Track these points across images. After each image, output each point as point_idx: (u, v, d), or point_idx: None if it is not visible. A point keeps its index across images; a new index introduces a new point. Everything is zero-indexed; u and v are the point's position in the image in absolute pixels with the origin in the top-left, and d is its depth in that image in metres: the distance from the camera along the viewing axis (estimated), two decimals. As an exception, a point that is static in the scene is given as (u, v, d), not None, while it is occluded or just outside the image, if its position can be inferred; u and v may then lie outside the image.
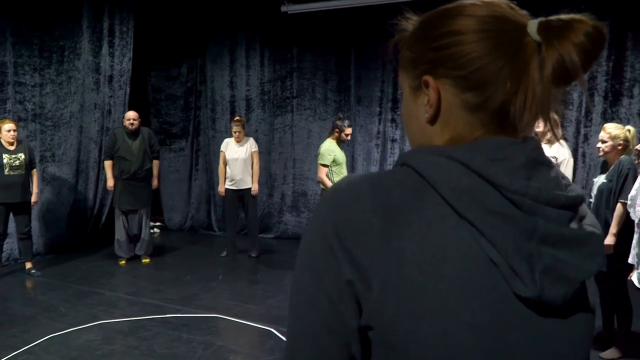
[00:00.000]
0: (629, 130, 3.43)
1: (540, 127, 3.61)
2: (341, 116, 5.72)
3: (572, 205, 0.63)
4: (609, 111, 6.19)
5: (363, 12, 7.08)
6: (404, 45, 0.74)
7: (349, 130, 5.57)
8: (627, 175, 3.31)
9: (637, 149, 2.79)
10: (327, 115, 7.68)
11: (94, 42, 7.04)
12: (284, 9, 7.16)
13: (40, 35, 6.48)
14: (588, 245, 0.61)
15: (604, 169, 3.55)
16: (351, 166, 7.47)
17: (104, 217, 7.44)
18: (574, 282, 0.60)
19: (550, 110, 0.64)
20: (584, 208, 0.67)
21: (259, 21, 7.89)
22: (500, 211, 0.59)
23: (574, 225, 0.62)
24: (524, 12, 0.67)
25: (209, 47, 8.34)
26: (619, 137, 3.36)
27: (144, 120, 6.52)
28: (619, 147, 3.38)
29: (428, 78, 0.68)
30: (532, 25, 0.63)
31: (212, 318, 4.55)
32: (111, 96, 7.24)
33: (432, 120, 0.69)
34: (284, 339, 4.07)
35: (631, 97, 6.08)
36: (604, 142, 3.39)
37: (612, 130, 3.38)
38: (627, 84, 6.11)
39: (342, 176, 5.77)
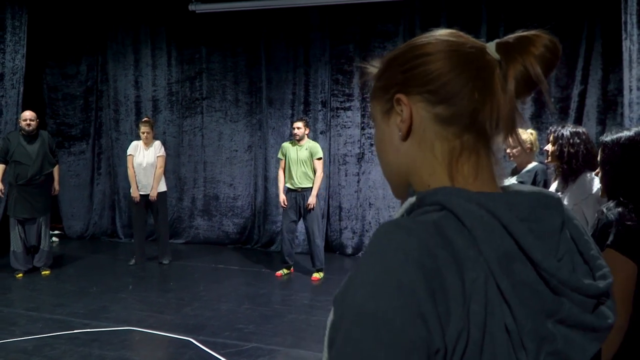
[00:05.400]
0: (531, 134, 3.72)
1: (511, 147, 3.64)
2: (302, 116, 6.63)
3: (601, 295, 0.65)
4: (505, 115, 6.66)
5: (273, 14, 7.08)
6: (374, 80, 0.77)
7: (294, 125, 5.95)
8: (543, 185, 3.55)
9: (545, 150, 3.03)
10: (239, 117, 7.58)
11: (-18, 38, 6.47)
12: (191, 7, 6.98)
13: None
14: (600, 331, 0.65)
15: (514, 172, 3.80)
16: (264, 168, 7.45)
17: (-5, 227, 6.83)
18: None
19: (515, 122, 0.68)
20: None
21: (164, 19, 7.64)
22: (530, 284, 0.61)
23: (595, 313, 0.65)
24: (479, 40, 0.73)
25: (111, 45, 7.94)
26: (526, 142, 3.63)
27: (39, 121, 6.08)
28: (527, 151, 3.65)
29: (400, 95, 0.71)
30: (491, 45, 0.69)
31: (124, 331, 4.33)
32: (2, 96, 6.67)
33: (406, 136, 0.71)
34: (203, 348, 3.97)
35: (523, 102, 6.57)
36: (513, 147, 3.63)
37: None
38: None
39: (291, 174, 5.79)
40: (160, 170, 6.43)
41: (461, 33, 0.72)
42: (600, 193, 2.74)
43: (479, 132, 0.69)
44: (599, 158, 2.05)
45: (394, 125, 0.73)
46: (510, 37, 0.68)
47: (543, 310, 0.61)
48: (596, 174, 2.23)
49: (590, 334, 0.64)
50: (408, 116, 0.70)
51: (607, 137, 1.99)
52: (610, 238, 1.79)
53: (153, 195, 6.36)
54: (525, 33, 0.68)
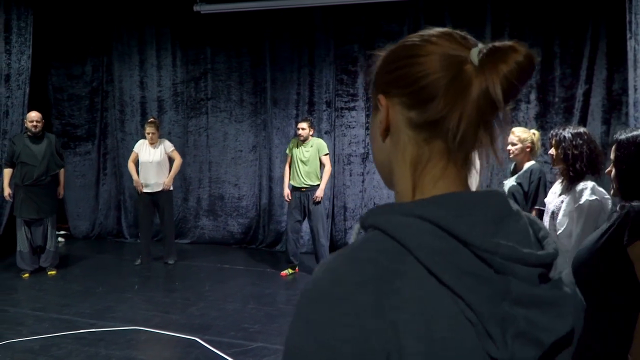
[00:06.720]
0: (534, 134, 3.72)
1: (511, 145, 3.67)
2: (307, 116, 6.61)
3: (544, 264, 0.64)
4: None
5: (277, 15, 7.09)
6: (372, 74, 0.77)
7: (299, 125, 5.96)
8: (537, 183, 3.57)
9: (550, 154, 3.01)
10: (244, 117, 7.60)
11: (-12, 39, 6.51)
12: (196, 8, 7.00)
13: None
14: (559, 305, 0.63)
15: (514, 171, 3.82)
16: (268, 168, 7.46)
17: (2, 227, 6.86)
18: (544, 344, 0.61)
19: (475, 135, 0.66)
20: (561, 263, 0.68)
21: (169, 19, 7.66)
22: (473, 272, 0.60)
23: (545, 285, 0.64)
24: (475, 41, 0.70)
25: (116, 45, 7.97)
26: (527, 140, 3.64)
27: (45, 122, 6.11)
28: (527, 150, 3.66)
29: (380, 96, 0.72)
30: (474, 51, 0.66)
31: (130, 331, 4.35)
32: (8, 97, 6.71)
33: (384, 136, 0.73)
34: (209, 347, 3.98)
35: (528, 102, 6.56)
36: (513, 144, 3.64)
37: (520, 134, 3.64)
38: (524, 90, 6.59)
39: (295, 172, 5.86)
40: (178, 161, 6.53)
41: (453, 34, 0.70)
42: (587, 204, 2.76)
43: (447, 141, 0.68)
44: (612, 157, 2.02)
45: (377, 124, 0.74)
46: (486, 47, 0.66)
47: (493, 292, 0.60)
48: (608, 173, 2.21)
49: (551, 311, 0.62)
50: (384, 117, 0.72)
51: (622, 136, 1.97)
52: None
53: (168, 184, 6.41)
54: (499, 44, 0.65)
